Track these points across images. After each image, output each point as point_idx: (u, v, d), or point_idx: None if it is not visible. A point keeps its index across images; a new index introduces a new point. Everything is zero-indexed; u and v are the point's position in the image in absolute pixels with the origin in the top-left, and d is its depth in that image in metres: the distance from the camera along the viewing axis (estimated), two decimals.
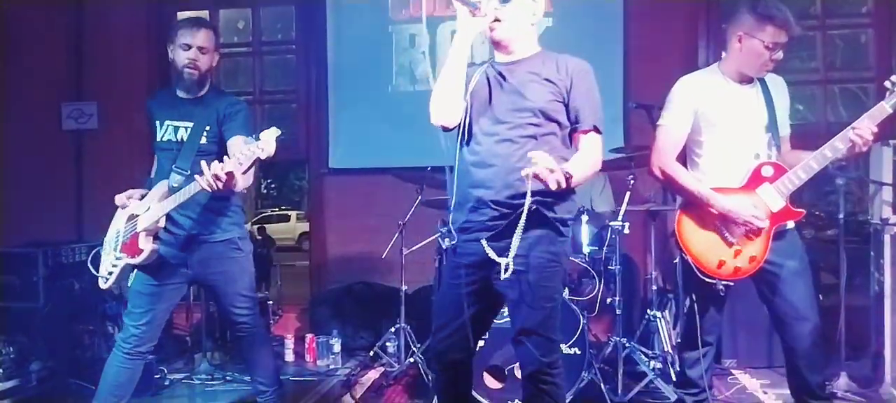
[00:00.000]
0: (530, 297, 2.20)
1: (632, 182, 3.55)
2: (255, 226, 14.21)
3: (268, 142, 2.28)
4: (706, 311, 2.72)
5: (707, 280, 2.61)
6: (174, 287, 2.77)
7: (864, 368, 3.65)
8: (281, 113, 5.89)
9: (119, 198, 2.80)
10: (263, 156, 2.29)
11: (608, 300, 3.55)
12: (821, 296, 4.12)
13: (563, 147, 2.28)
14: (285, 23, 6.26)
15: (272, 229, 14.73)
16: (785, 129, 2.70)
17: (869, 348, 3.63)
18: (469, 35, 2.20)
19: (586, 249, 3.59)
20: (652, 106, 3.78)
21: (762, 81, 2.66)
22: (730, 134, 2.62)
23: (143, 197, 2.76)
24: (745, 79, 2.64)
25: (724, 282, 2.60)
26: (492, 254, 2.19)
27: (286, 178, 26.41)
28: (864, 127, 2.46)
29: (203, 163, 2.37)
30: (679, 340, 3.05)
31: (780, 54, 2.54)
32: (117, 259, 2.72)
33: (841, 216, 3.48)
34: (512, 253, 2.13)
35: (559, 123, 2.26)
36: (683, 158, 2.74)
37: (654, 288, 3.77)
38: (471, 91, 2.26)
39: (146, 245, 2.66)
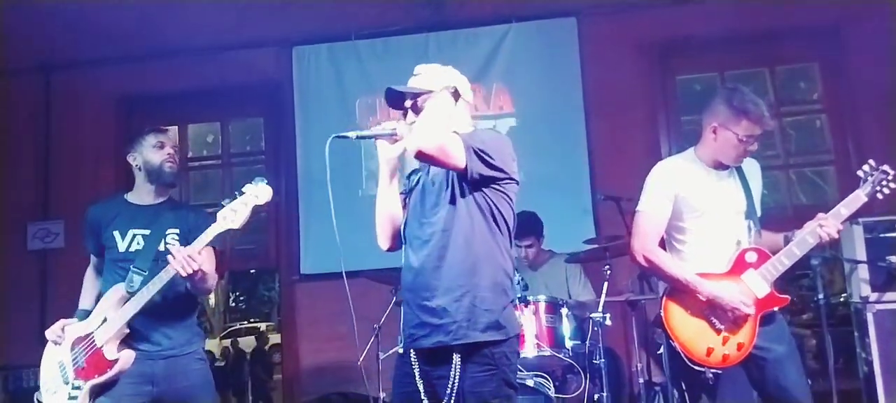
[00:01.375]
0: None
1: (608, 272, 3.51)
2: (226, 340, 13.73)
3: (260, 189, 2.44)
4: (697, 400, 2.63)
5: (695, 368, 2.53)
6: None
7: None
8: (250, 224, 5.79)
9: (51, 332, 2.65)
10: (260, 202, 2.46)
11: (596, 396, 3.42)
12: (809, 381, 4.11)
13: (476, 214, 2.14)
14: (254, 134, 6.29)
15: (244, 343, 14.25)
16: (759, 211, 2.71)
17: None
18: (390, 161, 2.28)
19: (569, 344, 3.48)
20: (620, 197, 3.83)
21: (738, 167, 2.68)
22: (711, 219, 2.61)
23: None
24: (722, 166, 2.65)
25: (713, 370, 2.52)
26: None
27: (255, 290, 25.86)
28: (830, 224, 2.49)
29: (173, 246, 2.28)
30: None
31: (754, 146, 2.57)
32: (75, 388, 2.53)
33: (820, 297, 3.46)
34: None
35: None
36: (662, 245, 2.72)
37: (641, 380, 3.66)
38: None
39: (117, 353, 2.51)
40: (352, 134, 2.26)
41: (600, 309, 3.41)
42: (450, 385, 2.04)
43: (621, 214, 3.80)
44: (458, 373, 2.04)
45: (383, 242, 2.33)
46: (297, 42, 5.19)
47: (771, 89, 4.96)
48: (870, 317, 3.31)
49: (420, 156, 2.04)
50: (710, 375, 2.52)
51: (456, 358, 2.05)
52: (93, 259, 2.81)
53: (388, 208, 2.30)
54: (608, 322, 3.41)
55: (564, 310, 3.53)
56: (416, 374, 2.13)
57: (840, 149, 4.70)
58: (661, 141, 4.83)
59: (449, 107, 2.20)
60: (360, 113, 5.09)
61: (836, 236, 2.51)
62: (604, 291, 3.47)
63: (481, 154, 2.07)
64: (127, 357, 2.53)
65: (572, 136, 4.87)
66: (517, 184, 2.20)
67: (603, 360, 3.36)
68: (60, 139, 5.27)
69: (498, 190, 2.14)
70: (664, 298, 2.60)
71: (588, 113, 4.89)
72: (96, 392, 2.54)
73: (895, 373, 3.26)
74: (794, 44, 4.82)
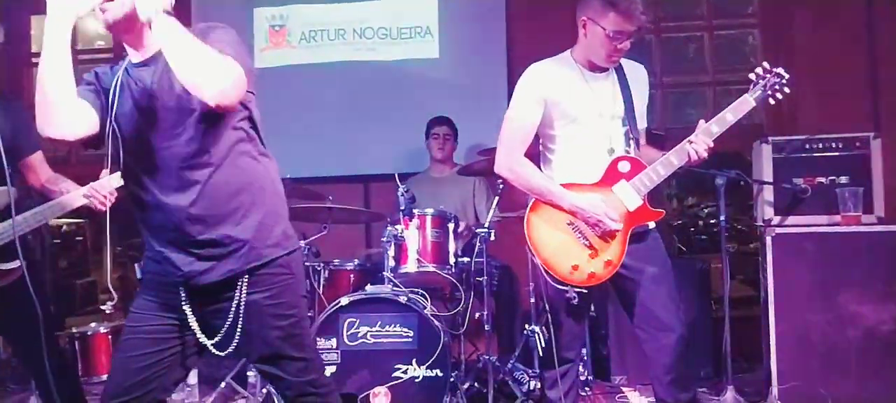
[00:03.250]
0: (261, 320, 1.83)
1: (501, 186, 3.25)
2: None
3: None
4: (563, 324, 2.42)
5: (559, 287, 2.31)
6: None
7: (756, 381, 3.44)
8: None
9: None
10: None
11: (477, 314, 3.22)
12: (714, 306, 3.99)
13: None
14: None
15: None
16: (642, 122, 2.45)
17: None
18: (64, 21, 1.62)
19: (452, 259, 3.25)
20: None
21: (620, 70, 2.40)
22: (583, 125, 2.35)
23: None
24: (599, 68, 2.38)
25: (577, 289, 2.30)
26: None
27: None
28: (700, 141, 2.26)
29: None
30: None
31: (626, 45, 2.28)
32: None
33: (722, 218, 3.25)
34: None
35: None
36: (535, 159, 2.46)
37: (532, 300, 3.47)
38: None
39: None
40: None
41: (487, 223, 3.17)
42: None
43: None
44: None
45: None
46: None
47: (704, 3, 4.65)
48: (768, 240, 3.12)
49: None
50: (573, 294, 2.30)
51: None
52: None
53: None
54: (493, 237, 3.17)
55: (451, 225, 3.28)
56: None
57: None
58: None
59: None
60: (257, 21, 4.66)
61: (705, 155, 2.27)
62: (494, 204, 3.24)
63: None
64: None
65: (493, 42, 4.53)
66: None
67: (486, 278, 3.13)
68: None
69: None
70: (527, 211, 2.35)
71: (509, 16, 4.53)
72: None
73: (788, 300, 3.09)
74: None
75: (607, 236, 2.28)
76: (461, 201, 3.93)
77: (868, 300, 3.02)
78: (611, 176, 2.31)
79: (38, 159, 2.59)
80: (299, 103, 4.46)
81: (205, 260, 1.77)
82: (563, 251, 2.30)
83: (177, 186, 1.74)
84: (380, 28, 4.62)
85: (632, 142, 2.37)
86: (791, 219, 3.20)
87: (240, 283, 1.79)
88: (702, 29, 4.69)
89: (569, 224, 2.30)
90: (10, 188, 1.92)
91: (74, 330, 3.61)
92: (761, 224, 3.30)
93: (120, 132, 1.76)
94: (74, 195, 2.52)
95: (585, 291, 2.32)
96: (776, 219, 3.22)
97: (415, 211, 3.23)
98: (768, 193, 3.25)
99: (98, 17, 1.67)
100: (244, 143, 1.82)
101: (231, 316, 1.79)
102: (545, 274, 2.31)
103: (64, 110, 1.68)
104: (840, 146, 3.16)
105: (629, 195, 2.30)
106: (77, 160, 4.43)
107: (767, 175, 3.24)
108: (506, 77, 4.36)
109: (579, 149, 2.35)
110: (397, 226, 3.18)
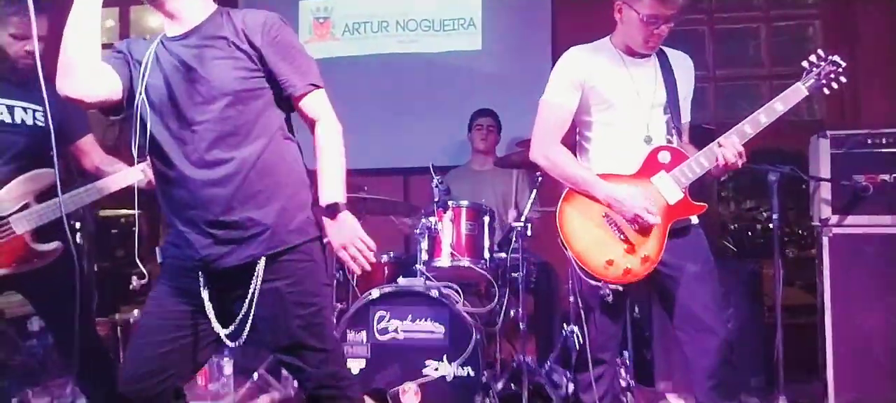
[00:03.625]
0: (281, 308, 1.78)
1: (540, 179, 3.14)
2: None
3: None
4: (597, 323, 2.30)
5: (593, 283, 2.19)
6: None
7: (811, 393, 3.23)
8: None
9: None
10: None
11: (512, 311, 3.12)
12: (768, 312, 3.76)
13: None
14: None
15: None
16: (685, 115, 2.32)
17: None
18: None
19: (487, 254, 3.15)
20: None
21: (663, 57, 2.28)
22: (621, 112, 2.23)
23: None
24: (640, 54, 2.25)
25: (612, 286, 2.18)
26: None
27: None
28: (729, 146, 2.11)
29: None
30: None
31: (663, 29, 2.16)
32: None
33: (775, 216, 3.06)
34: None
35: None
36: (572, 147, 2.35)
37: (571, 298, 3.33)
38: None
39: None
40: None
41: (524, 217, 3.06)
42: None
43: None
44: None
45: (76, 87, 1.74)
46: None
47: None
48: (825, 242, 2.91)
49: None
50: (607, 291, 2.18)
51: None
52: None
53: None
54: (529, 232, 3.05)
55: (486, 218, 3.18)
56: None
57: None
58: None
59: None
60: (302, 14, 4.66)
61: (733, 160, 2.11)
62: (531, 199, 3.11)
63: None
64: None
65: (537, 33, 4.41)
66: None
67: (521, 274, 3.03)
68: None
69: None
70: (561, 201, 2.24)
71: (555, 8, 4.42)
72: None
73: (846, 305, 2.88)
74: None
75: (646, 230, 2.15)
76: (502, 195, 3.83)
77: None
78: (650, 166, 2.19)
79: (89, 142, 2.58)
80: (342, 95, 4.29)
81: (224, 243, 1.74)
82: (597, 245, 2.18)
83: (206, 162, 1.72)
84: (423, 20, 4.58)
85: (674, 131, 2.23)
86: (850, 219, 2.98)
87: (258, 269, 1.74)
88: (759, 20, 4.47)
89: (604, 216, 2.19)
90: (57, 168, 1.92)
91: (117, 317, 3.67)
92: (818, 224, 3.09)
93: (150, 103, 1.74)
94: (120, 176, 2.51)
95: (621, 289, 2.19)
96: (834, 219, 3.01)
97: (449, 203, 3.15)
98: (825, 191, 3.04)
99: None
100: (278, 128, 1.81)
101: (246, 303, 1.75)
102: (578, 269, 2.19)
103: (85, 70, 1.69)
104: None
105: (669, 187, 2.16)
106: (126, 147, 4.51)
107: (825, 171, 3.02)
108: (550, 69, 4.21)
109: (616, 136, 2.23)
110: (431, 218, 3.10)
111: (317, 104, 1.84)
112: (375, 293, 2.93)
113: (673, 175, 2.17)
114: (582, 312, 2.32)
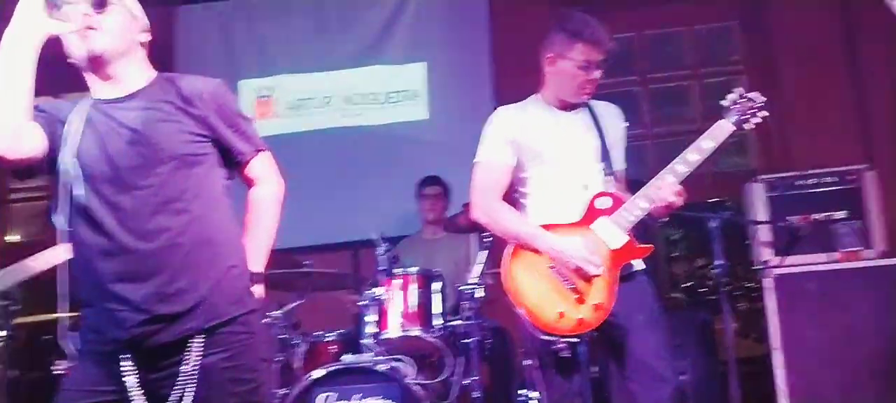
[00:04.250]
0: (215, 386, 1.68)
1: (489, 240, 3.12)
2: None
3: None
4: (553, 380, 2.25)
5: (546, 338, 2.16)
6: None
7: None
8: None
9: None
10: None
11: (466, 380, 3.03)
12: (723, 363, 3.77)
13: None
14: None
15: None
16: (619, 163, 2.36)
17: None
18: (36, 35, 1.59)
19: (438, 321, 3.08)
20: None
21: (590, 108, 2.34)
22: (556, 165, 2.26)
23: None
24: (569, 106, 2.31)
25: (566, 339, 2.14)
26: None
27: None
28: (665, 187, 2.13)
29: None
30: None
31: (596, 74, 2.23)
32: None
33: (719, 262, 3.11)
34: None
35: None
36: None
37: (526, 362, 3.28)
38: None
39: None
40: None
41: (474, 279, 3.02)
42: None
43: None
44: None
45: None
46: (183, 1, 4.74)
47: (689, 50, 4.65)
48: (768, 283, 2.97)
49: None
50: (562, 345, 2.14)
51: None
52: None
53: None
54: (480, 295, 3.01)
55: (435, 284, 3.13)
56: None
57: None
58: None
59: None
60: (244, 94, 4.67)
61: (672, 199, 2.13)
62: (482, 259, 3.07)
63: None
64: None
65: (482, 101, 4.49)
66: None
67: (473, 340, 2.96)
68: None
69: None
70: (506, 259, 2.22)
71: (496, 73, 4.53)
72: None
73: (798, 345, 2.92)
74: (713, 3, 4.52)
75: (592, 279, 2.15)
76: (456, 262, 3.78)
77: (878, 336, 2.85)
78: (591, 214, 2.20)
79: None
80: (287, 172, 4.37)
81: (159, 319, 1.63)
82: (547, 298, 2.16)
83: (146, 231, 1.63)
84: (368, 93, 4.63)
85: (610, 178, 2.27)
86: (790, 260, 3.07)
87: (192, 344, 1.64)
88: (690, 78, 4.67)
89: (551, 267, 2.17)
90: None
91: None
92: (760, 266, 3.16)
93: (83, 169, 1.65)
94: (48, 254, 2.36)
95: (576, 340, 2.17)
96: (775, 260, 3.09)
97: (396, 270, 3.09)
98: (765, 234, 3.13)
99: (72, 42, 1.64)
100: (220, 192, 1.76)
101: (182, 382, 1.64)
102: (530, 326, 2.16)
103: (10, 126, 1.60)
104: (834, 180, 3.07)
105: (612, 232, 2.17)
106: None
107: (762, 215, 3.13)
108: None
109: (554, 189, 2.26)
110: (377, 289, 3.01)
111: (263, 166, 1.84)
112: (319, 373, 2.79)
113: (614, 219, 2.18)
114: (535, 371, 2.27)
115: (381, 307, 3.01)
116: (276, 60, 4.69)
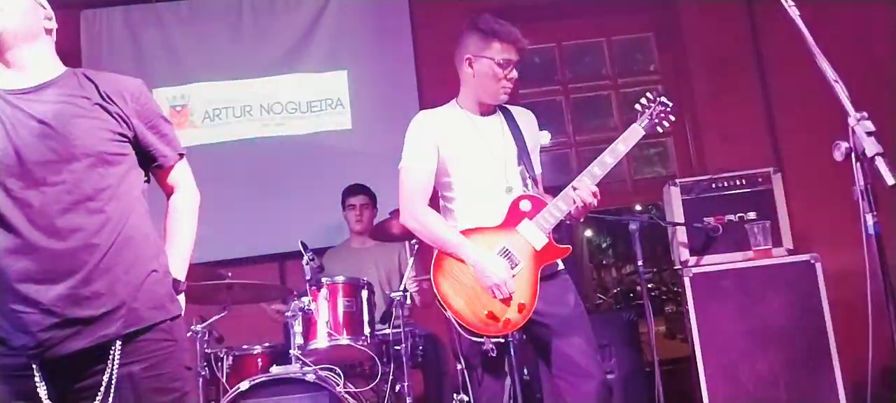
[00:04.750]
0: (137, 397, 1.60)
1: (416, 246, 3.12)
2: None
3: None
4: (481, 381, 2.26)
5: (474, 339, 2.16)
6: None
7: None
8: None
9: None
10: None
11: (397, 387, 3.01)
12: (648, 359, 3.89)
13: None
14: None
15: None
16: (537, 167, 2.42)
17: None
18: None
19: (367, 330, 3.04)
20: None
21: (507, 112, 2.39)
22: (478, 168, 2.29)
23: None
24: (487, 111, 2.36)
25: (493, 340, 2.15)
26: None
27: None
28: (584, 188, 2.19)
29: None
30: None
31: (513, 73, 2.28)
32: None
33: (640, 262, 3.21)
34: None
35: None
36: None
37: (459, 367, 3.27)
38: None
39: None
40: None
41: (402, 287, 3.00)
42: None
43: None
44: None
45: None
46: (86, 4, 4.49)
47: (608, 61, 4.80)
48: (687, 281, 3.09)
49: None
50: (490, 346, 2.15)
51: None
52: None
53: None
54: (410, 301, 2.99)
55: (364, 292, 3.09)
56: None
57: (676, 121, 4.57)
58: None
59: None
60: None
61: (590, 200, 2.18)
62: (409, 265, 3.07)
63: None
64: None
65: (406, 109, 4.47)
66: None
67: (403, 346, 2.94)
68: None
69: None
70: (434, 262, 2.23)
71: (420, 81, 4.51)
72: None
73: (716, 340, 3.03)
74: (630, 15, 4.68)
75: (518, 277, 2.17)
76: (386, 271, 3.75)
77: (789, 329, 3.00)
78: (513, 216, 2.24)
79: None
80: (205, 184, 4.20)
81: (71, 323, 1.52)
82: (474, 300, 2.17)
83: (57, 229, 1.53)
84: (289, 103, 4.50)
85: (530, 181, 2.31)
86: (707, 259, 3.20)
87: (112, 352, 1.55)
88: (608, 88, 4.81)
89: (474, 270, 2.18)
90: None
91: None
92: (679, 266, 3.28)
93: None
94: None
95: (503, 340, 2.18)
96: (692, 260, 3.21)
97: (323, 279, 3.03)
98: (682, 235, 3.25)
99: None
100: (138, 194, 1.69)
101: (101, 394, 1.54)
102: (458, 327, 2.16)
103: None
104: (744, 182, 3.22)
105: (534, 233, 2.22)
106: None
107: (679, 217, 3.24)
108: None
109: (477, 192, 2.28)
110: (304, 299, 2.95)
111: (181, 173, 1.79)
112: (245, 385, 2.71)
113: (536, 221, 2.22)
114: (465, 372, 2.26)
115: (308, 317, 2.95)
116: (190, 69, 4.49)
